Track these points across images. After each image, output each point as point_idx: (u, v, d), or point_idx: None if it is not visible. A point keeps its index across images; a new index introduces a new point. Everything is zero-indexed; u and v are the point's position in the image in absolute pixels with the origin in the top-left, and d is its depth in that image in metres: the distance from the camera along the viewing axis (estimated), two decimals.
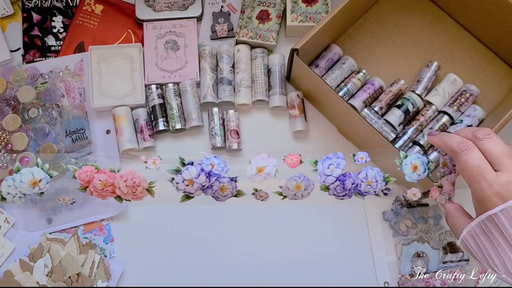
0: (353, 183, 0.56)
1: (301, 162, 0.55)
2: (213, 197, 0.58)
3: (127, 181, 0.56)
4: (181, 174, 0.55)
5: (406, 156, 0.56)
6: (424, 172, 0.56)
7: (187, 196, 0.57)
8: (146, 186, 0.56)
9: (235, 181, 0.57)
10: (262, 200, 0.58)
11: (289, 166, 0.55)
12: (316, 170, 0.55)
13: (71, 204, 0.60)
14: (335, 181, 0.56)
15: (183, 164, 0.55)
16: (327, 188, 0.57)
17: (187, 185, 0.55)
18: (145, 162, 0.55)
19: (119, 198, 0.57)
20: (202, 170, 0.55)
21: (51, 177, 0.56)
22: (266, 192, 0.58)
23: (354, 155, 0.56)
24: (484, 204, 0.47)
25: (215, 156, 0.56)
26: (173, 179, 0.55)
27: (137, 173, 0.56)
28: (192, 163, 0.55)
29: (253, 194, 0.58)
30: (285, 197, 0.58)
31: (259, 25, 0.75)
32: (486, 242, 0.48)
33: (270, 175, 0.55)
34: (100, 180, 0.55)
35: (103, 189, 0.56)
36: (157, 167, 0.55)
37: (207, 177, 0.55)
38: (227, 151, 0.73)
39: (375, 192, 0.58)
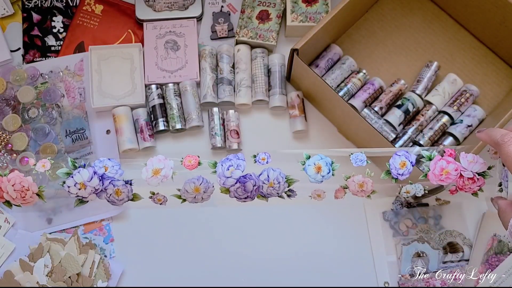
0: (254, 185, 0.53)
1: (199, 163, 0.53)
2: (108, 201, 0.55)
3: (15, 185, 0.53)
4: (72, 177, 0.52)
5: (309, 157, 0.53)
6: (328, 173, 0.53)
7: (81, 201, 0.54)
8: (36, 190, 0.54)
9: (131, 184, 0.54)
10: (160, 204, 0.56)
11: (187, 168, 0.53)
12: (216, 172, 0.53)
13: None
14: (236, 183, 0.53)
15: (75, 167, 0.53)
16: (227, 191, 0.54)
17: (79, 189, 0.53)
18: (34, 165, 0.53)
19: (8, 203, 0.55)
20: (95, 173, 0.52)
21: None
22: (164, 195, 0.55)
23: (255, 156, 0.53)
24: None
25: (108, 159, 0.53)
26: (64, 182, 0.52)
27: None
28: (84, 166, 0.53)
29: (150, 197, 0.55)
30: (184, 200, 0.55)
31: (259, 25, 0.75)
32: None
33: (167, 177, 0.52)
34: None
35: None
36: (47, 170, 0.53)
37: (100, 180, 0.53)
38: (227, 151, 0.73)
39: (278, 194, 0.55)
